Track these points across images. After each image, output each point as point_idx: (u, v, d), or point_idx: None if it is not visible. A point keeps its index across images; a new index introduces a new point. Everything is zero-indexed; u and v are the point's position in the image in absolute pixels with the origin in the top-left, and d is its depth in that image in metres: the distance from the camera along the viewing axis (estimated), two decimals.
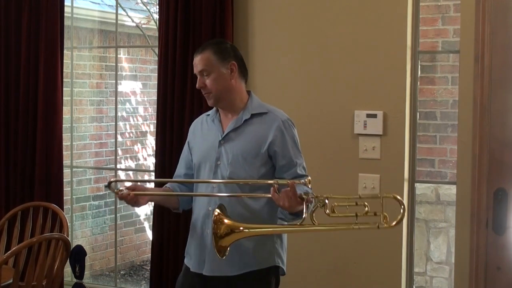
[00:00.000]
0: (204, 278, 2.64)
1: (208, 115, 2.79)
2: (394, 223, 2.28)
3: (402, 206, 2.31)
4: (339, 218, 2.31)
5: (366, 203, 2.31)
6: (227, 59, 2.63)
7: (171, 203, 2.77)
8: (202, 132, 2.77)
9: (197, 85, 2.65)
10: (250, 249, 2.59)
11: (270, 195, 2.40)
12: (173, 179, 2.85)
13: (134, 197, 2.58)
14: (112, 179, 2.68)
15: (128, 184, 2.67)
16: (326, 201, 2.34)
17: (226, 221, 2.35)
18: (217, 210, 2.37)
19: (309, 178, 2.47)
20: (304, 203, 2.36)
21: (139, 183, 2.73)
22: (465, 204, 3.06)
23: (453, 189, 3.75)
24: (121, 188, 2.63)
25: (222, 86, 2.63)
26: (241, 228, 2.37)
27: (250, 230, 2.40)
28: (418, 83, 3.45)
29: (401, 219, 2.30)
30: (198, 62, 2.63)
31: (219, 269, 2.61)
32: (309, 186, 2.47)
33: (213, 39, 2.92)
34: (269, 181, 2.46)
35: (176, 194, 2.74)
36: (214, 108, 2.76)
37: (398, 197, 2.32)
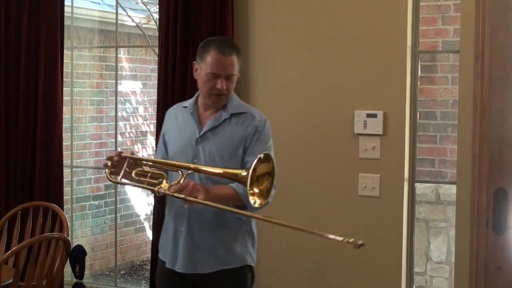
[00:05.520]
0: (180, 274, 2.66)
1: (185, 107, 2.74)
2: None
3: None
4: None
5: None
6: (240, 62, 2.64)
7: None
8: (178, 124, 2.73)
9: (220, 87, 2.56)
10: (222, 247, 2.61)
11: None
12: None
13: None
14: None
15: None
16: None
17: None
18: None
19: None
20: None
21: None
22: (465, 204, 3.06)
23: (453, 189, 3.75)
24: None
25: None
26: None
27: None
28: (418, 83, 3.44)
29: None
30: (228, 65, 2.57)
31: (192, 266, 2.62)
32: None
33: (221, 37, 2.82)
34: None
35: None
36: (193, 100, 2.73)
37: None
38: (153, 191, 2.56)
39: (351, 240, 2.16)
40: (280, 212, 3.56)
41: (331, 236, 2.21)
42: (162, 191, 2.45)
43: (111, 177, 2.62)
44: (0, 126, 4.17)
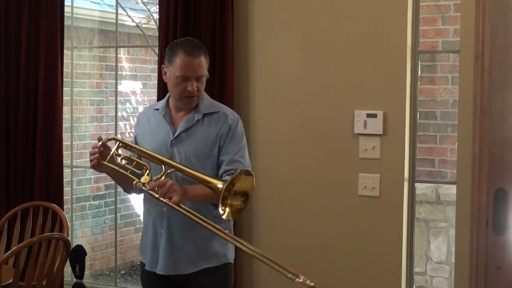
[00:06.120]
0: (162, 276, 2.66)
1: (157, 109, 2.74)
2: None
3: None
4: None
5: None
6: (208, 61, 2.63)
7: (127, 182, 2.63)
8: (150, 127, 2.72)
9: (191, 89, 2.56)
10: (202, 246, 2.61)
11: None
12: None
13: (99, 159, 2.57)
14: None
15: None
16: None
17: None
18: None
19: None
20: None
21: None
22: (465, 204, 3.06)
23: (453, 189, 3.75)
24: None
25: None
26: None
27: None
28: (418, 83, 3.44)
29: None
30: (197, 67, 2.56)
31: (173, 268, 2.63)
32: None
33: (188, 38, 2.79)
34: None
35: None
36: (164, 102, 2.72)
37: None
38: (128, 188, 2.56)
39: (301, 279, 2.11)
40: (280, 211, 3.59)
41: (286, 273, 2.18)
42: (140, 185, 2.46)
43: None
44: (0, 126, 4.18)
